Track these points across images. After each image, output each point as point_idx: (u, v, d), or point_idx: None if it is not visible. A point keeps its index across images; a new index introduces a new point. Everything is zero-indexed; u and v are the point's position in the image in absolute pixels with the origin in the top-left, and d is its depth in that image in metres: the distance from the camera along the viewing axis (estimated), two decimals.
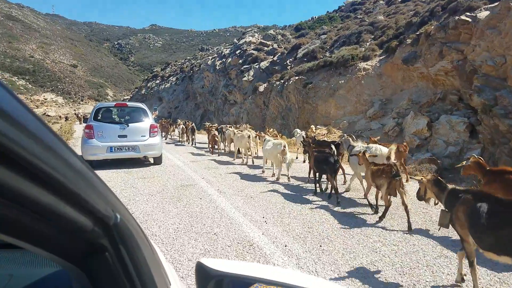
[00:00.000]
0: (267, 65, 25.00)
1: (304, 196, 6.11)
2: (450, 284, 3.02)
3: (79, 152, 8.24)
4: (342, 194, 6.18)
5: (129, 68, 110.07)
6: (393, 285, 3.02)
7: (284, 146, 7.35)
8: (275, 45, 28.73)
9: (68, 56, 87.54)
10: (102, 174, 7.87)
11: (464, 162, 4.70)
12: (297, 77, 18.28)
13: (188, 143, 16.27)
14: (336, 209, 5.31)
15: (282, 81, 19.74)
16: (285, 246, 3.89)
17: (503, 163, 7.18)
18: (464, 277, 3.01)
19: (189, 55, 73.05)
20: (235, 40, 39.66)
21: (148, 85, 55.28)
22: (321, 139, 8.83)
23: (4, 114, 0.34)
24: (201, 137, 17.84)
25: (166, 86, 45.95)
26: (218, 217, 4.91)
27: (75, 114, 49.37)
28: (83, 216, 0.52)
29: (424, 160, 8.70)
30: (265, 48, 28.46)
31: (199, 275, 0.93)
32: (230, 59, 29.88)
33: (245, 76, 25.42)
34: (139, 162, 9.79)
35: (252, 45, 30.07)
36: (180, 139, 17.66)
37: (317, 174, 6.25)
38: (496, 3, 9.99)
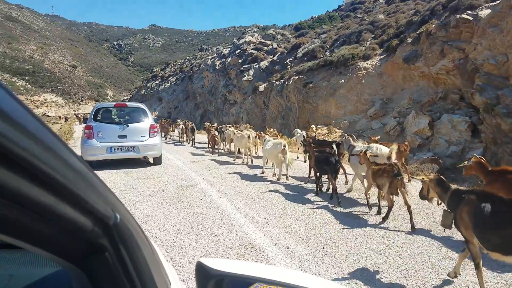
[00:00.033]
0: (267, 64, 24.92)
1: (305, 197, 6.05)
2: None
3: (78, 153, 8.19)
4: (344, 195, 6.13)
5: (128, 69, 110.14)
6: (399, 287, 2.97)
7: (284, 146, 7.30)
8: (275, 45, 28.64)
9: (68, 57, 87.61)
10: (102, 174, 7.81)
11: (465, 162, 4.64)
12: (297, 77, 18.20)
13: (188, 143, 16.23)
14: (338, 209, 5.25)
15: (282, 80, 19.67)
16: (288, 248, 3.83)
17: (505, 163, 7.12)
18: (458, 276, 3.02)
19: (188, 55, 73.10)
20: (234, 40, 39.55)
21: (148, 85, 55.28)
22: (322, 139, 8.78)
23: (4, 115, 0.35)
24: (201, 137, 17.79)
25: (166, 86, 45.91)
26: (219, 218, 4.85)
27: (74, 114, 49.45)
28: (83, 216, 0.52)
29: (426, 160, 8.64)
30: (265, 48, 28.37)
31: (199, 275, 0.92)
32: (229, 59, 29.81)
33: (245, 76, 25.33)
34: (139, 163, 9.74)
35: (251, 44, 29.98)
36: (180, 139, 17.62)
37: (318, 174, 6.20)
38: (498, 1, 9.92)
